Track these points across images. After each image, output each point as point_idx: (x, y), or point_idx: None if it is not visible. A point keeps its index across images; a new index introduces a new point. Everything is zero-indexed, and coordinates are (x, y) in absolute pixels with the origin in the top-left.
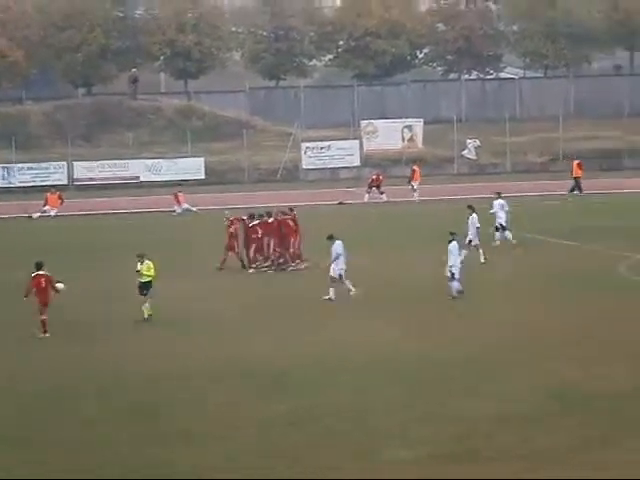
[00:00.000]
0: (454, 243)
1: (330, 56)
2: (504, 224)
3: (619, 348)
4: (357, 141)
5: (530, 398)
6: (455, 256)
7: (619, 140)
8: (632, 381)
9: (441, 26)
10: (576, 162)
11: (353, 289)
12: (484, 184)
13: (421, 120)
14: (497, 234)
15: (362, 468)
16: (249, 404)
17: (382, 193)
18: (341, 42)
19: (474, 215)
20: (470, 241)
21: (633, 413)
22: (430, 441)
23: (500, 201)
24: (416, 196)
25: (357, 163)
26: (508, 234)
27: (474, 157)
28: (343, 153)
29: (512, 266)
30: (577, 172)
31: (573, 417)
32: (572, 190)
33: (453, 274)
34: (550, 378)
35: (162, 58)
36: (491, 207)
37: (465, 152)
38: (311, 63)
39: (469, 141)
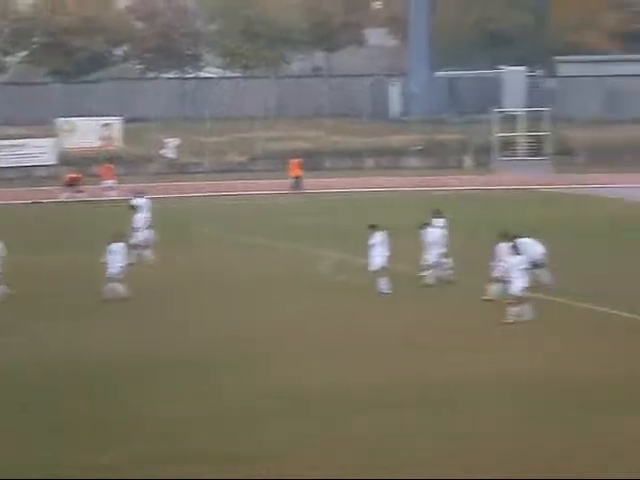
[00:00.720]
0: (117, 244)
1: (25, 52)
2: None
3: (328, 344)
4: (53, 139)
5: (244, 397)
6: (116, 256)
7: (319, 140)
8: (341, 375)
9: (139, 24)
10: (295, 161)
11: None
12: (184, 183)
13: (119, 118)
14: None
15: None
16: None
17: (80, 192)
18: (35, 38)
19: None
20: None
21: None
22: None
23: (142, 200)
24: (114, 194)
25: (53, 161)
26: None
27: (174, 156)
28: (38, 151)
29: (205, 268)
30: (296, 171)
31: (287, 416)
32: (294, 188)
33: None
34: (263, 377)
35: None
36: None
37: (164, 151)
38: (6, 59)
39: (168, 140)
